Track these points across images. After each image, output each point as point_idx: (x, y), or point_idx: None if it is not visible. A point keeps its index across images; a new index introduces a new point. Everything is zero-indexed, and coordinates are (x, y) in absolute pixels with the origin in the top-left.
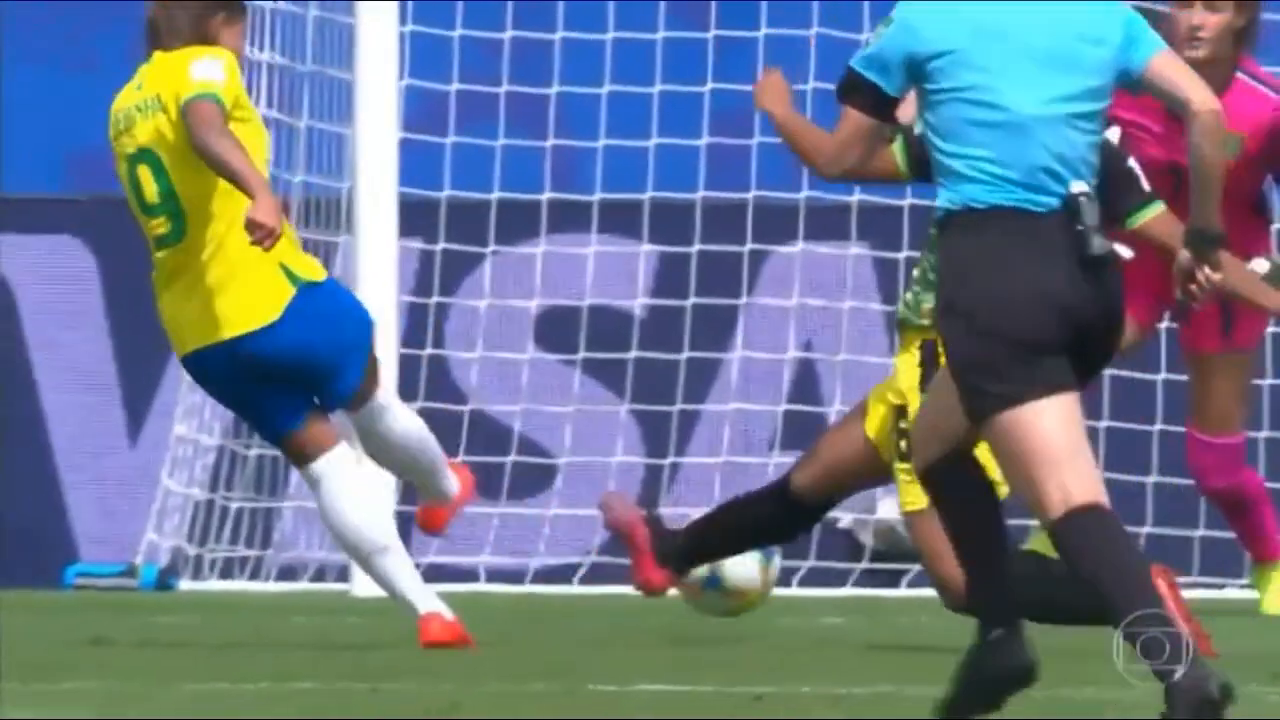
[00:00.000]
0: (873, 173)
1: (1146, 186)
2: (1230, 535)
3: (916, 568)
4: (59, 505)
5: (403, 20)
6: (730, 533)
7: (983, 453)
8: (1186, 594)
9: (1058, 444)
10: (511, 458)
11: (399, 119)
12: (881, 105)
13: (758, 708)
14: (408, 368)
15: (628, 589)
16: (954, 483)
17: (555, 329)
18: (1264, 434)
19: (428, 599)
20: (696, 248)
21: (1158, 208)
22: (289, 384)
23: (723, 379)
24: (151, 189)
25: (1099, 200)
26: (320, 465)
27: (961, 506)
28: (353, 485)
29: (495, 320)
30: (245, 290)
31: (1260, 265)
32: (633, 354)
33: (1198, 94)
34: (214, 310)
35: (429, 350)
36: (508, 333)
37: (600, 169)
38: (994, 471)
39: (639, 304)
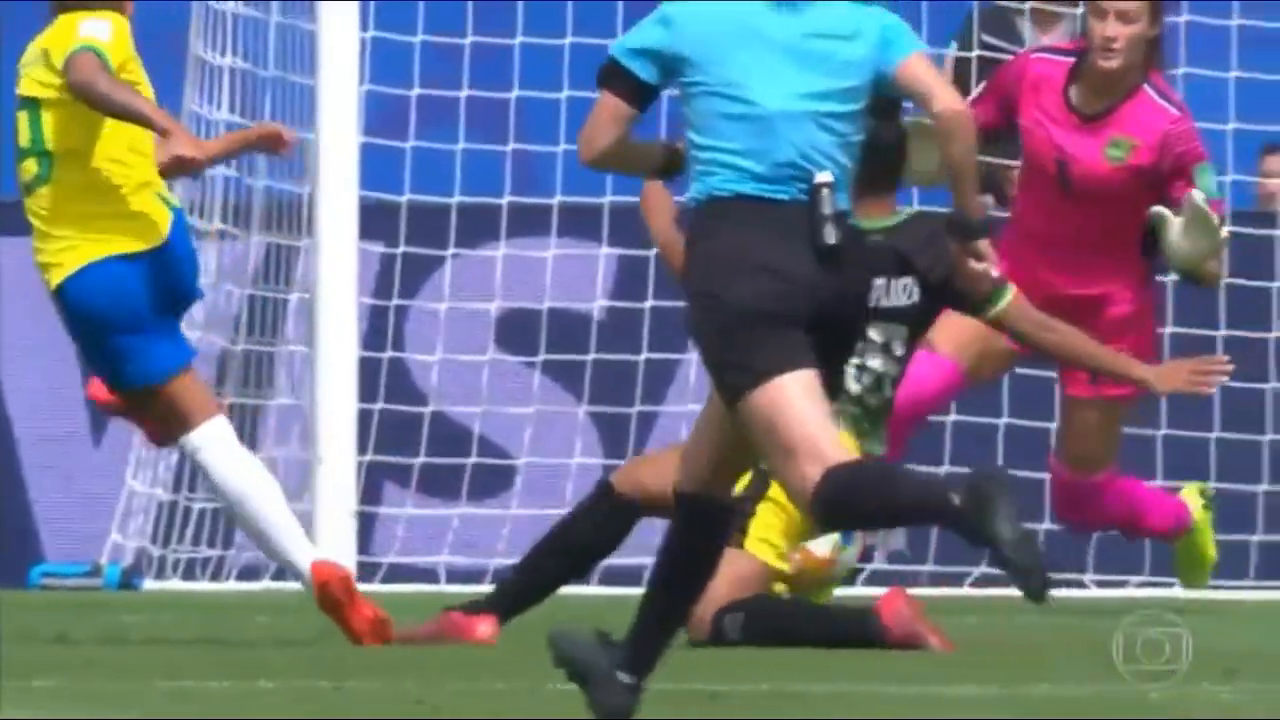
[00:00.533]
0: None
1: (995, 272)
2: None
3: (873, 566)
4: (24, 505)
5: (364, 26)
6: (560, 556)
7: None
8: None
9: (807, 418)
10: (471, 459)
11: (360, 123)
12: (639, 94)
13: (713, 706)
14: (368, 370)
15: (587, 589)
16: (702, 522)
17: (515, 331)
18: (1215, 434)
19: (314, 552)
20: (655, 250)
21: (1010, 292)
22: (168, 317)
23: (680, 380)
24: (25, 134)
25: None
26: (196, 438)
27: (693, 545)
28: (236, 449)
29: (455, 322)
30: (131, 218)
31: (1197, 195)
32: (591, 356)
33: (943, 96)
34: (103, 237)
35: (389, 352)
36: (468, 335)
37: (560, 172)
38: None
39: (598, 306)
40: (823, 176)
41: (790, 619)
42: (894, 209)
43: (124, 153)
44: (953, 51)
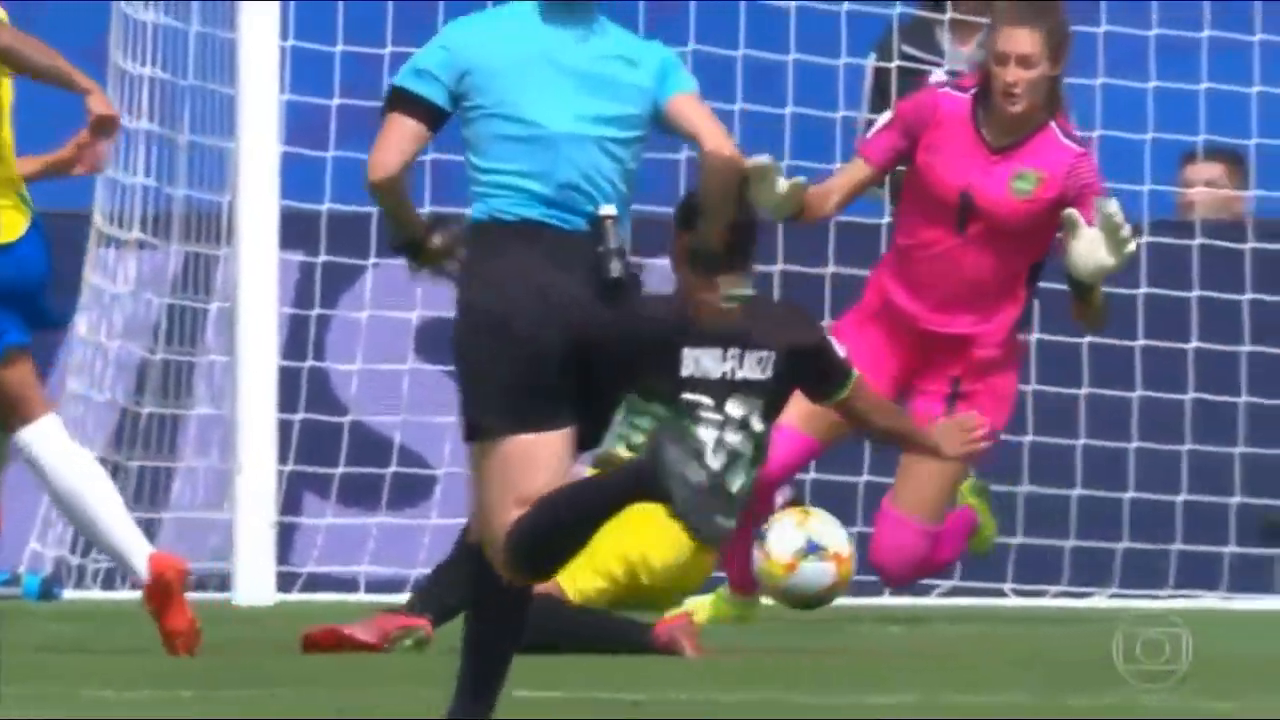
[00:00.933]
0: None
1: (842, 353)
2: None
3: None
4: None
5: (284, 35)
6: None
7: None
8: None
9: (540, 479)
10: (392, 469)
11: (280, 133)
12: (430, 116)
13: (635, 714)
14: (288, 379)
15: None
16: (493, 577)
17: (435, 340)
18: (1134, 445)
19: (149, 548)
20: None
21: (855, 377)
22: (11, 312)
23: None
24: None
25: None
26: (27, 434)
27: (496, 600)
28: (68, 445)
29: (376, 332)
30: None
31: (1111, 204)
32: None
33: (711, 137)
34: None
35: (310, 362)
36: (388, 344)
37: None
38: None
39: None
40: (607, 209)
41: (563, 620)
42: (747, 284)
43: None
44: (872, 61)
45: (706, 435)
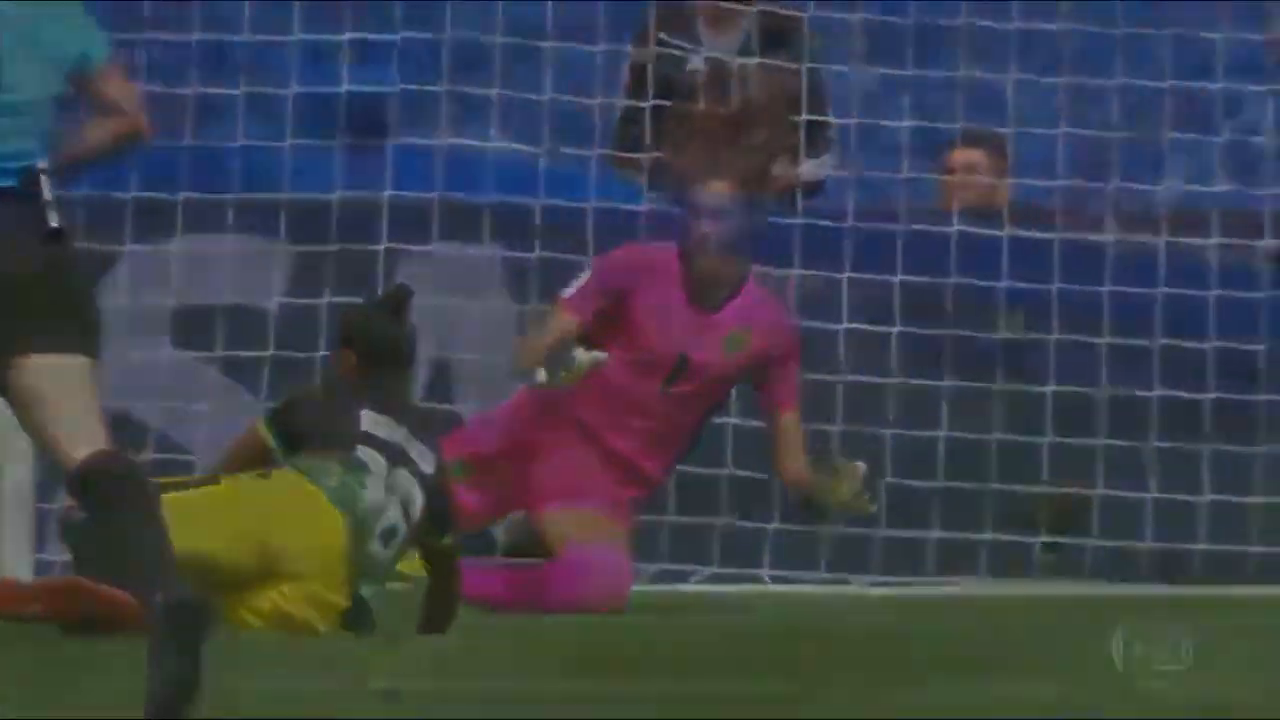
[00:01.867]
0: (240, 461)
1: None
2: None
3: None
4: None
5: None
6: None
7: None
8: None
9: None
10: (150, 455)
11: None
12: None
13: (386, 704)
14: None
15: None
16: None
17: (191, 327)
18: (839, 427)
19: None
20: (334, 246)
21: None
22: None
23: None
24: None
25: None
26: None
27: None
28: None
29: (131, 319)
30: None
31: (858, 471)
32: (270, 352)
33: (134, 110)
34: None
35: None
36: (144, 331)
37: (238, 169)
38: None
39: (275, 302)
40: (41, 164)
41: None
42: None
43: None
44: (631, 49)
45: (374, 491)
